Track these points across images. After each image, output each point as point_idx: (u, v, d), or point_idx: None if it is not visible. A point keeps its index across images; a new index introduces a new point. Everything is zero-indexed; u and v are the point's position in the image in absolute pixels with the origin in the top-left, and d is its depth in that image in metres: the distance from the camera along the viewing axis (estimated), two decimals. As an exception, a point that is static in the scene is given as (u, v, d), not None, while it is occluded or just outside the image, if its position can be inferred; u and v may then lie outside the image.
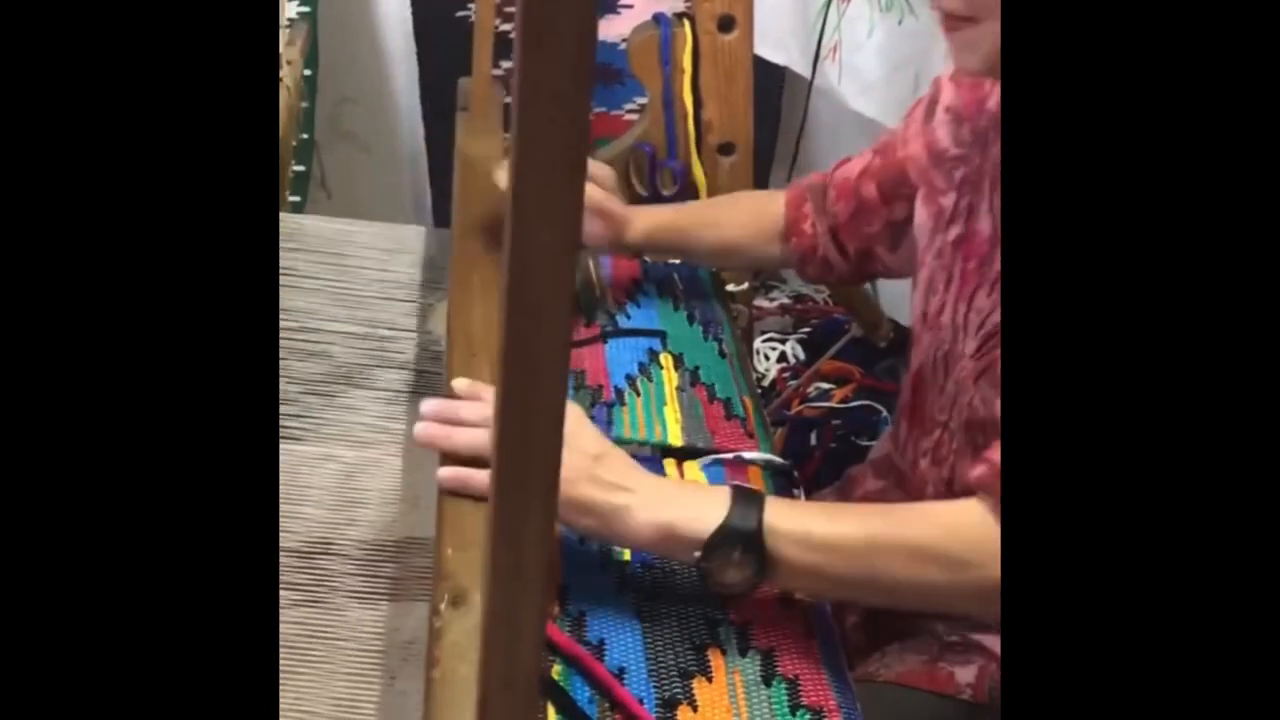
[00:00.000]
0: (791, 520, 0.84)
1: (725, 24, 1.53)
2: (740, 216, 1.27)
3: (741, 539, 0.82)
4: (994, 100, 1.04)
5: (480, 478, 0.81)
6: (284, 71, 1.53)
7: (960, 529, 0.84)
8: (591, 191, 1.14)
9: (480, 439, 0.83)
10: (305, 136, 1.91)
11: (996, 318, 0.97)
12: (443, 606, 0.73)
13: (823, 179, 1.23)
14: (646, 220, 1.22)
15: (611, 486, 0.84)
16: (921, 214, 1.10)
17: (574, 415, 0.87)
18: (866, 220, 1.18)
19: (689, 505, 0.84)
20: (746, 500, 0.84)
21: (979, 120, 1.05)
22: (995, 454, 0.85)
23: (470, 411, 0.86)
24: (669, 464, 1.03)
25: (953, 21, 0.92)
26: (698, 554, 0.83)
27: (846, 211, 1.18)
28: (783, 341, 2.15)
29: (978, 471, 0.85)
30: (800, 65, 2.02)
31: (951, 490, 0.90)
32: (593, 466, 0.84)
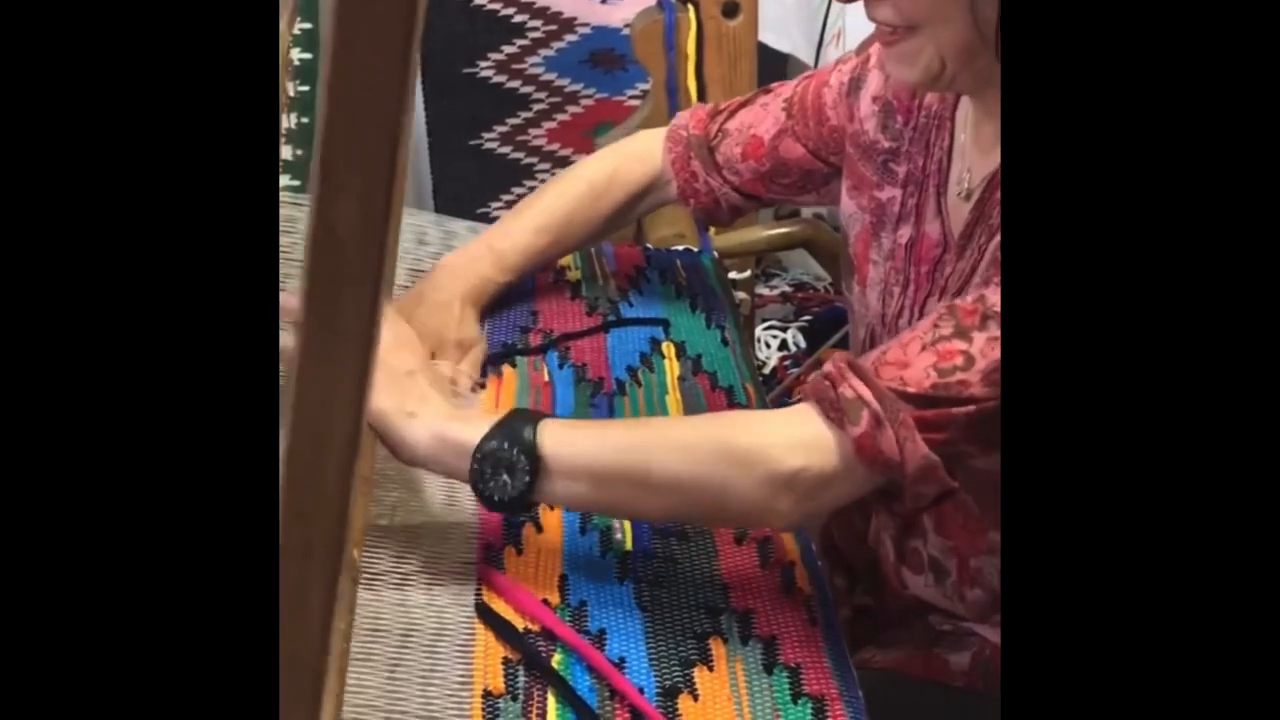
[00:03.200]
0: (568, 425, 0.88)
1: (729, 10, 1.53)
2: (593, 203, 1.19)
3: (511, 437, 0.84)
4: (931, 95, 1.02)
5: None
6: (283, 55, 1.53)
7: (753, 426, 0.87)
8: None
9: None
10: (305, 120, 1.90)
11: None
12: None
13: (701, 132, 1.17)
14: (501, 274, 1.15)
15: (408, 399, 0.87)
16: (849, 204, 1.08)
17: (398, 334, 0.92)
18: (784, 175, 1.15)
19: (468, 419, 0.88)
20: (524, 414, 0.87)
21: (917, 117, 1.03)
22: (829, 364, 0.86)
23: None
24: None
25: (889, 33, 0.90)
26: (469, 461, 0.84)
27: (757, 169, 1.15)
28: (784, 329, 2.15)
29: (810, 377, 0.87)
30: (804, 51, 2.02)
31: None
32: (403, 381, 0.88)
